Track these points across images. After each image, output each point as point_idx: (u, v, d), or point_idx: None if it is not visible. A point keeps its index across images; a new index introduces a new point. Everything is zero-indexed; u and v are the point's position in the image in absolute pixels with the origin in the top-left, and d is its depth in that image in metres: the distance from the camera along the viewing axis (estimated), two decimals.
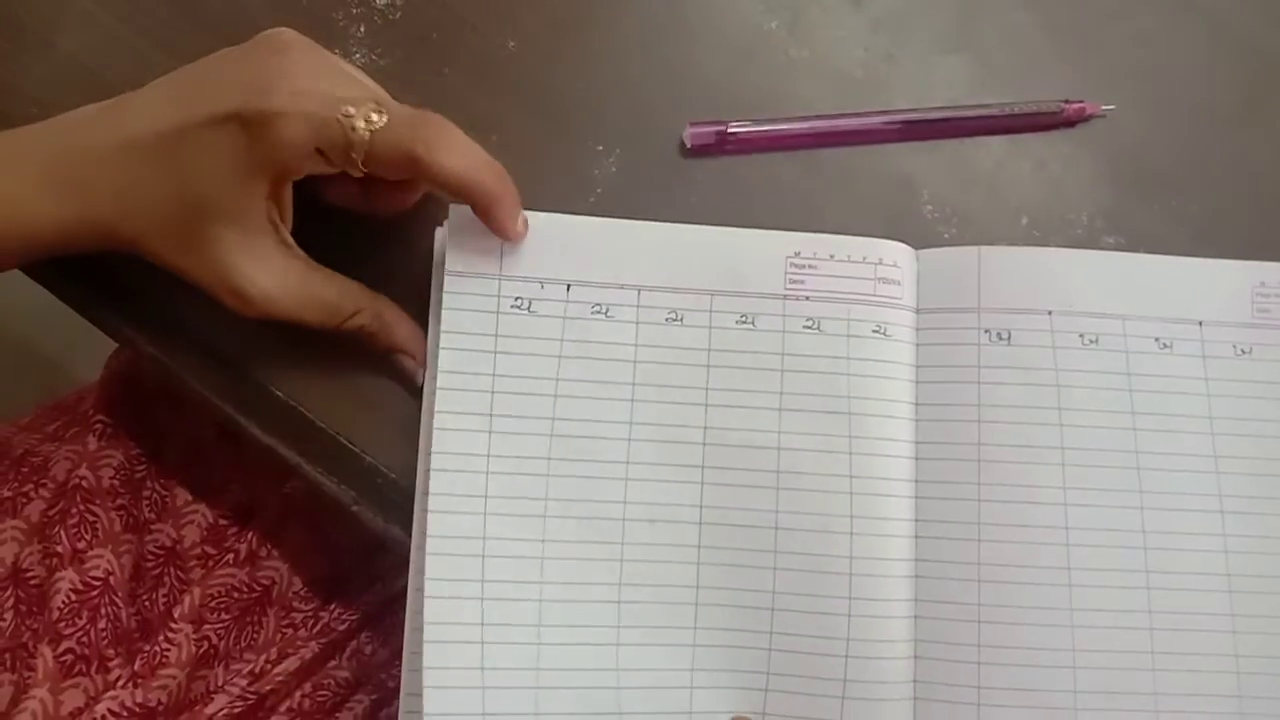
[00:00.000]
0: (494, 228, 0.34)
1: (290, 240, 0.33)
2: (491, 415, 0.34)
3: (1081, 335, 0.35)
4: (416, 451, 0.35)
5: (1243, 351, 0.35)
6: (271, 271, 0.32)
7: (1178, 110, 0.39)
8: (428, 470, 0.34)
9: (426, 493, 0.34)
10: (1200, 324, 0.35)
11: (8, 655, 0.38)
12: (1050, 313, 0.35)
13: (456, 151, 0.32)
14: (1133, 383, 0.35)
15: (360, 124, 0.30)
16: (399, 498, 0.36)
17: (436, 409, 0.34)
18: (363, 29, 0.39)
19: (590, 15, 0.40)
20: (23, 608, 0.39)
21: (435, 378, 0.35)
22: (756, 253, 0.36)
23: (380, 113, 0.31)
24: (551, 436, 0.34)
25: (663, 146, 0.38)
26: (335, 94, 0.31)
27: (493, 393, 0.34)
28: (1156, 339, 0.35)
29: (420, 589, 0.33)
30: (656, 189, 0.38)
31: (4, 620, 0.38)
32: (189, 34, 0.38)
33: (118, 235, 0.32)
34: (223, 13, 0.39)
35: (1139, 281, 0.35)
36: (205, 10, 0.39)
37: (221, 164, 0.30)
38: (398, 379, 0.36)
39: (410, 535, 0.35)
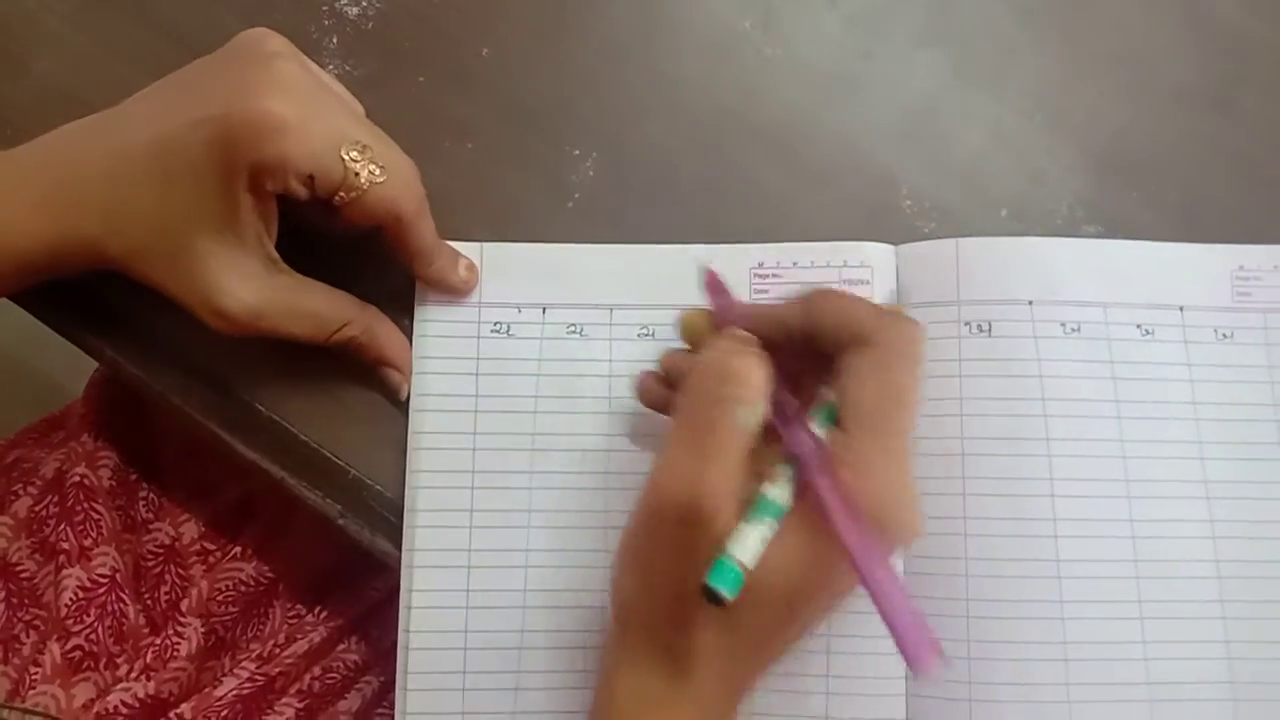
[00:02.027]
0: (437, 284, 0.35)
1: (275, 255, 0.33)
2: (475, 434, 0.35)
3: (1063, 324, 0.34)
4: (401, 465, 0.35)
5: (1224, 336, 0.35)
6: (257, 287, 0.32)
7: (1155, 96, 0.39)
8: (412, 488, 0.35)
9: (411, 509, 0.35)
10: (1181, 309, 0.35)
11: (0, 647, 0.38)
12: (1031, 302, 0.35)
13: (428, 218, 0.34)
14: (1116, 370, 0.34)
15: (364, 174, 0.31)
16: (386, 510, 0.36)
17: (422, 430, 0.35)
18: (335, 40, 0.39)
19: (562, 20, 0.40)
20: (14, 600, 0.39)
21: (421, 398, 0.35)
22: (721, 266, 0.36)
23: (382, 169, 0.31)
24: (532, 451, 0.35)
25: (640, 150, 0.38)
26: (340, 126, 0.31)
27: (475, 412, 0.35)
28: (1138, 326, 0.35)
29: (406, 602, 0.34)
30: (634, 193, 0.38)
31: None
32: (164, 52, 0.38)
33: (107, 255, 0.32)
34: (197, 30, 0.39)
35: (1119, 268, 0.35)
36: (179, 28, 0.39)
37: (204, 164, 0.30)
38: (382, 393, 0.36)
39: (397, 548, 0.35)
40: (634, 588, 0.28)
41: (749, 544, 0.26)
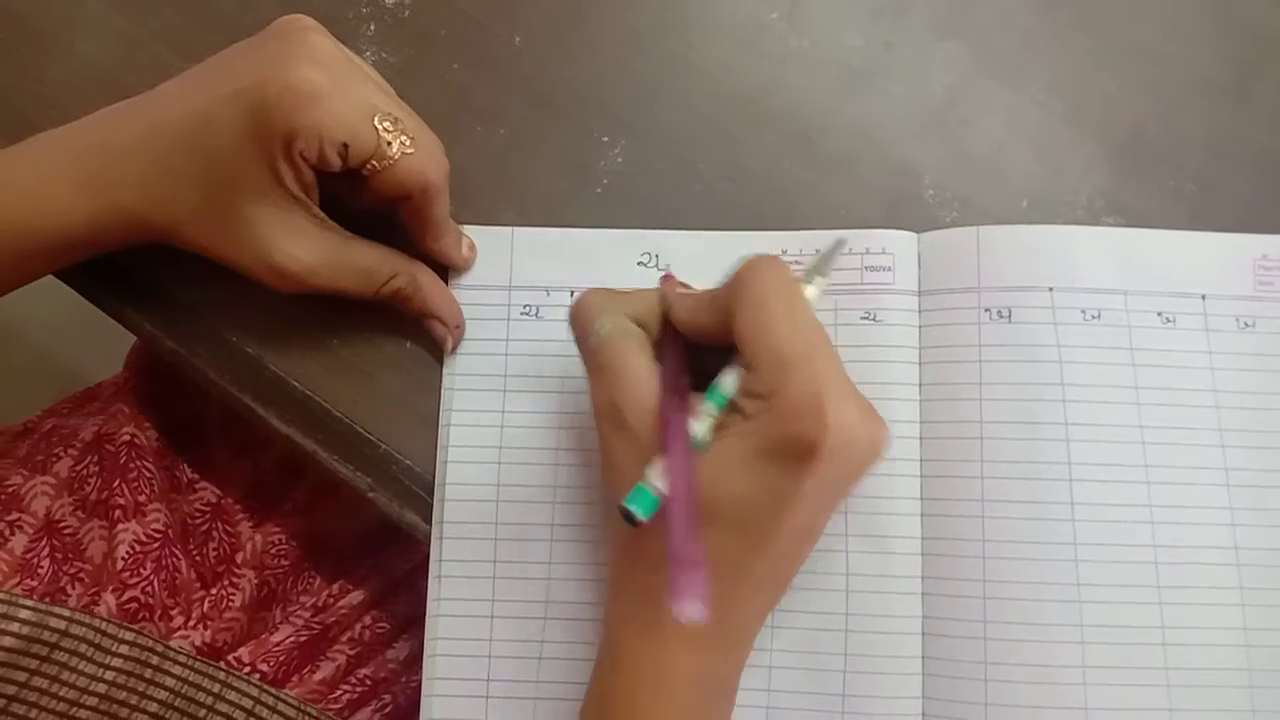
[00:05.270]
0: (442, 258, 0.35)
1: (321, 214, 0.33)
2: (503, 412, 0.35)
3: (1083, 311, 0.34)
4: (430, 440, 0.35)
5: (1246, 324, 0.34)
6: (309, 244, 0.33)
7: (1175, 88, 0.38)
8: (442, 462, 0.35)
9: (441, 483, 0.35)
10: (1203, 297, 0.34)
11: (47, 600, 0.38)
12: (1051, 289, 0.34)
13: (447, 192, 0.34)
14: (1136, 358, 0.34)
15: (395, 144, 0.31)
16: (414, 484, 0.35)
17: (452, 407, 0.35)
18: (373, 27, 0.39)
19: (592, 9, 0.39)
20: (59, 555, 0.39)
21: (451, 377, 0.36)
22: (744, 253, 0.36)
23: (412, 140, 0.31)
24: (559, 429, 0.35)
25: (667, 137, 0.38)
26: (371, 97, 0.31)
27: (504, 392, 0.35)
28: (1159, 313, 0.34)
29: (439, 572, 0.34)
30: (662, 179, 0.37)
31: (42, 568, 0.39)
32: (202, 37, 0.37)
33: (151, 226, 0.33)
34: (234, 16, 0.39)
35: (1140, 256, 0.34)
36: (217, 13, 0.39)
37: (242, 134, 0.30)
38: (419, 356, 0.36)
39: (425, 521, 0.35)
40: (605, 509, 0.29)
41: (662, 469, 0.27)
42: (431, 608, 0.34)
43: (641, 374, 0.29)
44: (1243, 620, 0.32)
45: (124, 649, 0.33)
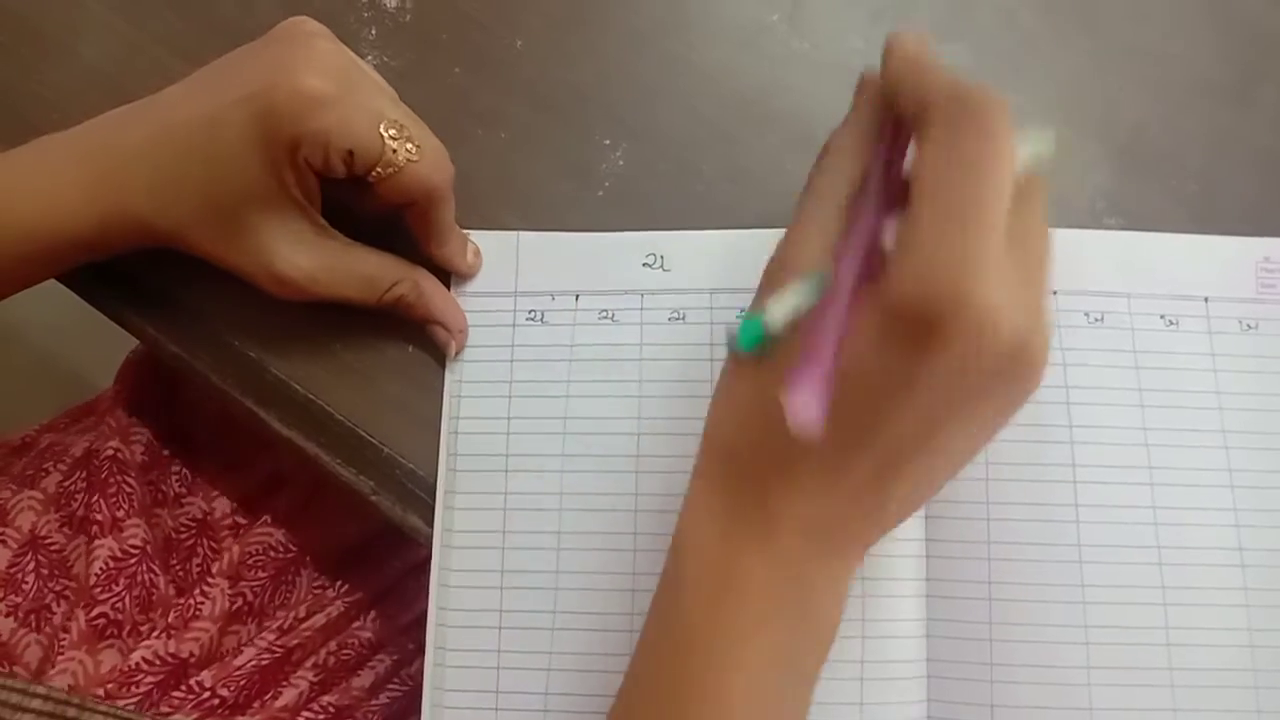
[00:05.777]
0: (446, 264, 0.35)
1: (323, 222, 0.33)
2: (509, 418, 0.35)
3: (1086, 314, 0.34)
4: (433, 442, 0.35)
5: (1249, 326, 0.34)
6: (310, 252, 0.32)
7: (1176, 89, 0.38)
8: (449, 470, 0.35)
9: (448, 491, 0.35)
10: (1206, 300, 0.34)
11: (32, 616, 0.38)
12: (1055, 292, 0.34)
13: (452, 199, 0.34)
14: (1139, 360, 0.34)
15: (401, 152, 0.31)
16: (417, 488, 0.35)
17: (458, 414, 0.35)
18: (374, 31, 0.39)
19: (594, 12, 0.39)
20: (44, 571, 0.39)
21: (458, 384, 0.35)
22: (748, 253, 0.35)
23: (418, 147, 0.31)
24: (565, 435, 0.35)
25: (669, 139, 0.38)
26: (377, 104, 0.31)
27: (510, 398, 0.35)
28: (1162, 316, 0.34)
29: (441, 580, 0.34)
30: (664, 181, 0.37)
31: (26, 583, 0.38)
32: (204, 40, 0.37)
33: (155, 231, 0.32)
34: (236, 19, 0.39)
35: (1143, 259, 0.34)
36: (219, 17, 0.39)
37: (248, 139, 0.30)
38: (423, 361, 0.36)
39: (428, 525, 0.35)
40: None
41: (786, 300, 0.24)
42: (435, 617, 0.34)
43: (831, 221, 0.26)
44: (1247, 621, 0.32)
45: (36, 703, 0.32)
